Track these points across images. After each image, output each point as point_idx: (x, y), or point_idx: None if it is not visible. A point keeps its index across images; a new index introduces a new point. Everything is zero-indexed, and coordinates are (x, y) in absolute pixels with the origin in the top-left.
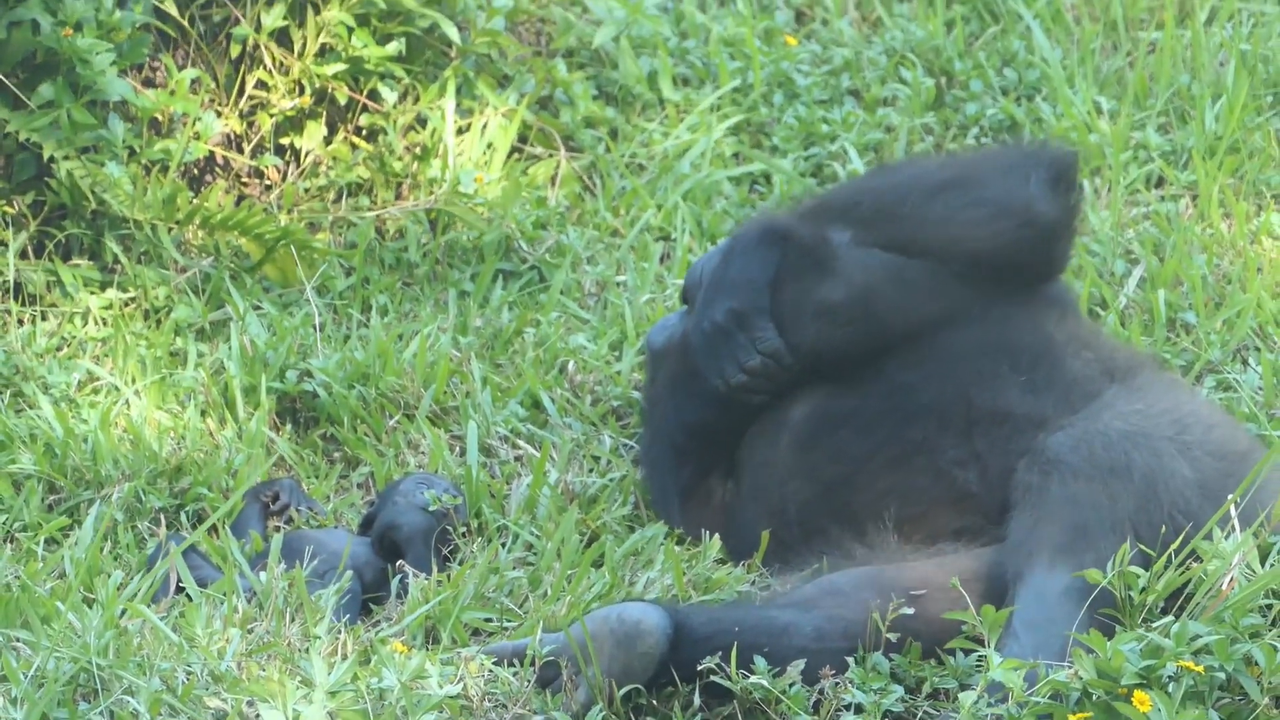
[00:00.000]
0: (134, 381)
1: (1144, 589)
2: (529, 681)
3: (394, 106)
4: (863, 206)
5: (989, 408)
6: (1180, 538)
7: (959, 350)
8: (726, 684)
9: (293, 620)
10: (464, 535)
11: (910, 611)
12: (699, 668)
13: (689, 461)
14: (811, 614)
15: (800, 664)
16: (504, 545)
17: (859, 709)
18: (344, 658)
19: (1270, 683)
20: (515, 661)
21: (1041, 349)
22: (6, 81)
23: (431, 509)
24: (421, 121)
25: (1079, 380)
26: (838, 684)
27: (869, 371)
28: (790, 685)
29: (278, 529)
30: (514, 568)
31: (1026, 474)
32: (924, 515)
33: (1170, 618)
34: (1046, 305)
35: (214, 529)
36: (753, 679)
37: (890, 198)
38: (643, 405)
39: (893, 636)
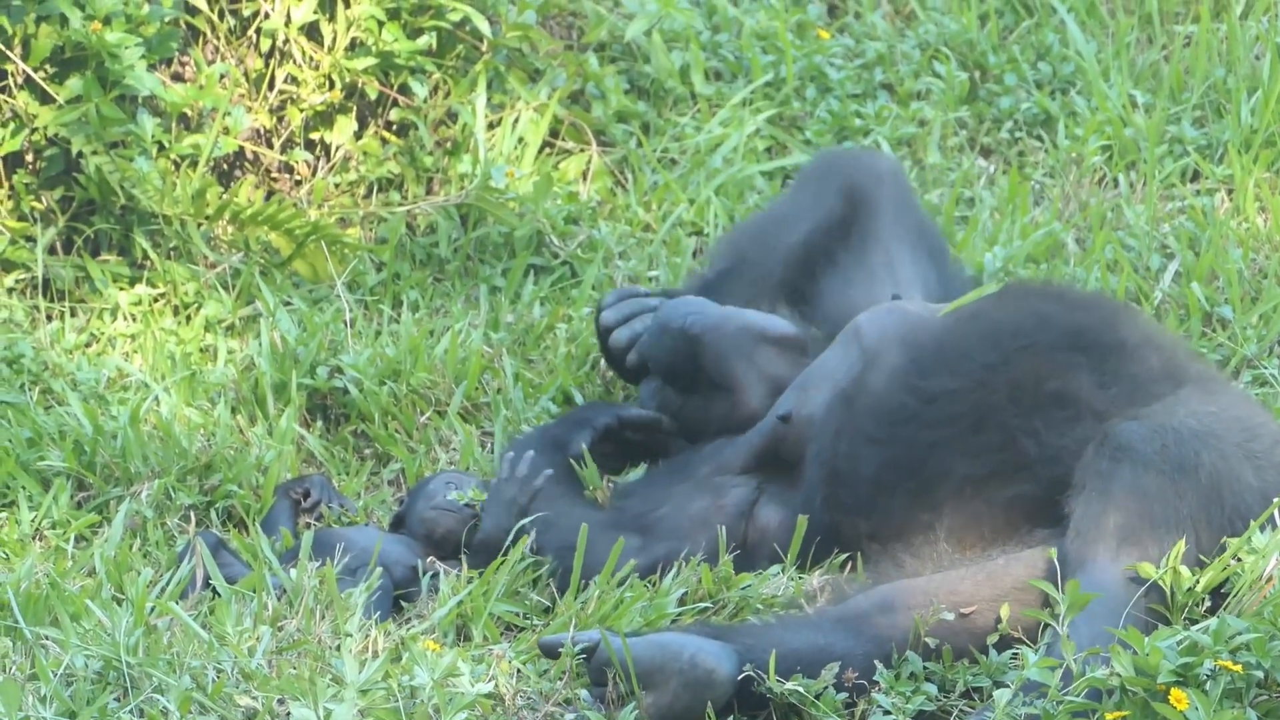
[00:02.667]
0: (163, 378)
1: (1189, 589)
2: (561, 679)
3: (424, 101)
4: None
5: (1056, 391)
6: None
7: (1034, 333)
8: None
9: (323, 618)
10: None
11: (950, 617)
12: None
13: None
14: (862, 639)
15: (834, 667)
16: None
17: (887, 711)
18: (375, 656)
19: None
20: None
21: (1115, 347)
22: (35, 76)
23: (464, 501)
24: (452, 116)
25: (1147, 381)
26: (867, 689)
27: (951, 349)
28: (823, 689)
29: (308, 526)
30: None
31: (1096, 458)
32: (987, 479)
33: (1214, 616)
34: (1127, 310)
35: (244, 525)
36: (789, 685)
37: None
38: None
39: (935, 645)
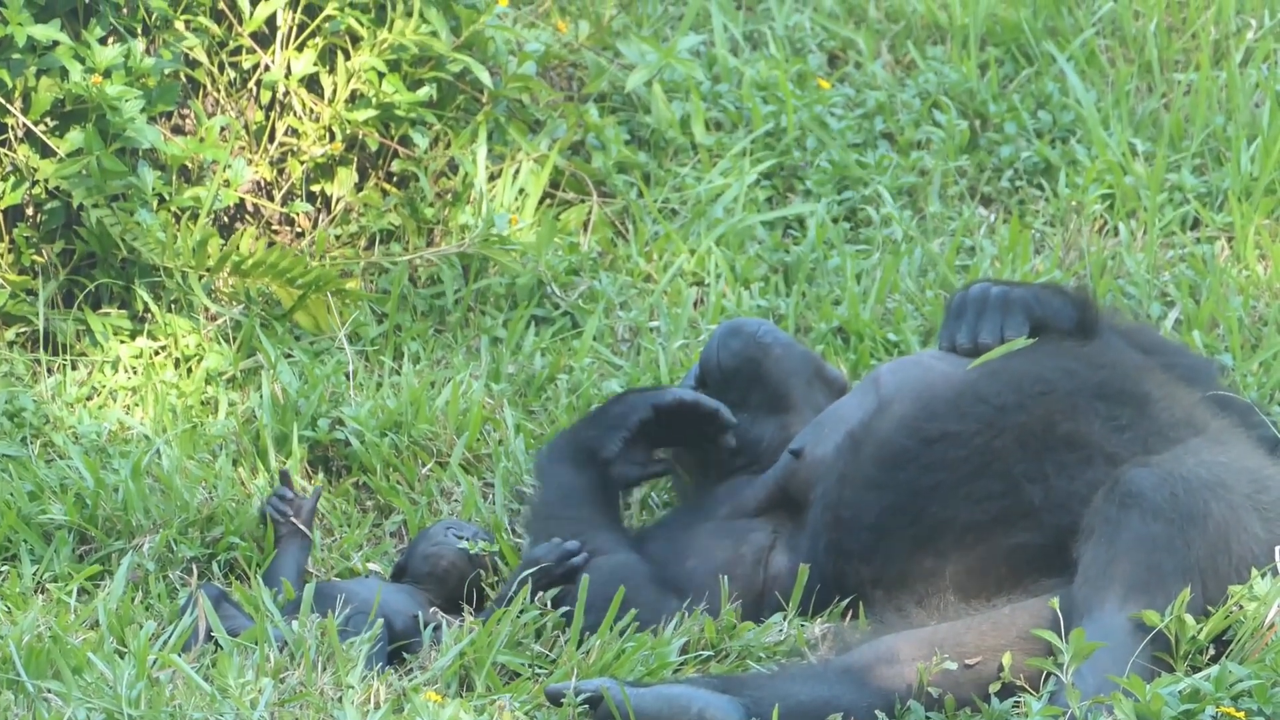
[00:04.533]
0: (165, 431)
1: (1192, 637)
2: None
3: (425, 152)
4: None
5: (1068, 433)
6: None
7: (1057, 382)
8: None
9: (325, 670)
10: (495, 583)
11: (954, 667)
12: None
13: None
14: (867, 690)
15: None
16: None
17: None
18: (377, 707)
19: None
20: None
21: (1133, 394)
22: (35, 129)
23: (472, 552)
24: (453, 167)
25: (1163, 429)
26: None
27: (968, 395)
28: None
29: (310, 575)
30: (545, 614)
31: (1105, 505)
32: (990, 527)
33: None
34: (1146, 358)
35: (246, 578)
36: None
37: None
38: None
39: (938, 694)
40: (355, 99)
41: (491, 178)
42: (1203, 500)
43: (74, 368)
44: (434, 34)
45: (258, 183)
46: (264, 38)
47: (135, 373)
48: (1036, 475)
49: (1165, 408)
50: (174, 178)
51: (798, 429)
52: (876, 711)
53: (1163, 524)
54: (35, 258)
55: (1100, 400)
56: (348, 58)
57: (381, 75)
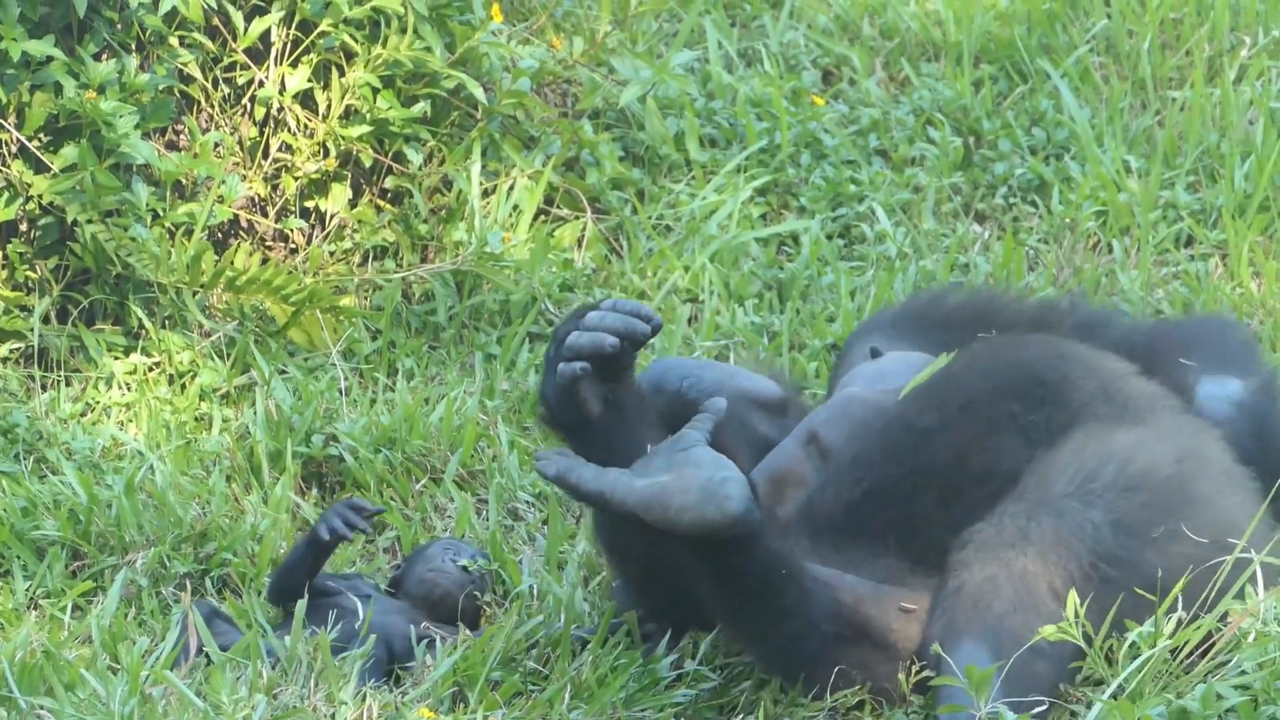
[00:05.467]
0: (158, 447)
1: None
2: None
3: (419, 168)
4: None
5: (980, 469)
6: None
7: (976, 391)
8: None
9: (318, 685)
10: (489, 602)
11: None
12: None
13: None
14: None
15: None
16: (527, 607)
17: None
18: None
19: None
20: None
21: (1050, 381)
22: (29, 145)
23: (471, 570)
24: (447, 183)
25: (1074, 413)
26: None
27: (896, 425)
28: None
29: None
30: (541, 630)
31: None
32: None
33: (1199, 678)
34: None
35: (239, 593)
36: None
37: None
38: None
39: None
40: (349, 115)
41: (485, 194)
42: (1020, 533)
43: (68, 384)
44: (428, 50)
45: (252, 199)
46: (258, 54)
47: (129, 389)
48: (953, 527)
49: (1080, 388)
50: (168, 193)
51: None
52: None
53: (995, 566)
54: (29, 273)
55: (1016, 399)
56: (342, 74)
57: (376, 91)
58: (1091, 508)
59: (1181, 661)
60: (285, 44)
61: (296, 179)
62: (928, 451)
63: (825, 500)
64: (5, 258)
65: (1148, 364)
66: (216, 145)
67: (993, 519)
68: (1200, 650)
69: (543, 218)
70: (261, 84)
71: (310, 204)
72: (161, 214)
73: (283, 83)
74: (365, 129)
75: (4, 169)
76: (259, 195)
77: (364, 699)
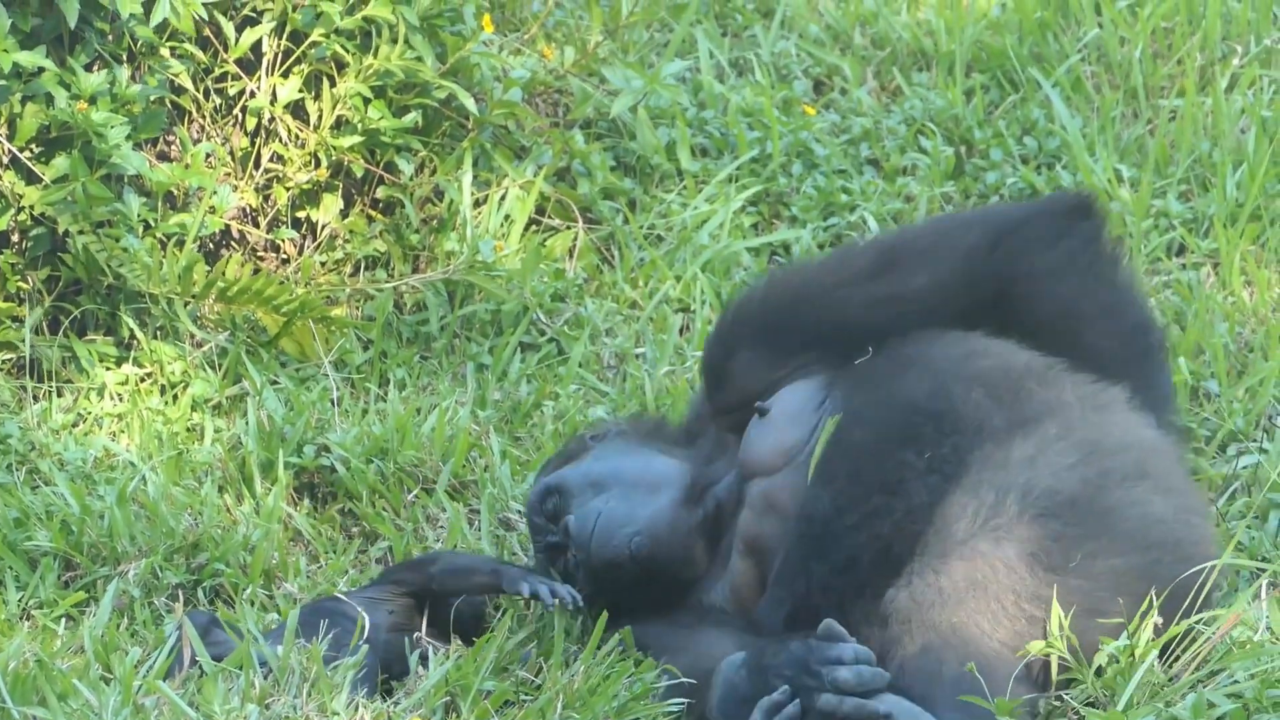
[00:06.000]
0: (150, 457)
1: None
2: None
3: (411, 179)
4: None
5: (897, 557)
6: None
7: (885, 460)
8: None
9: (310, 695)
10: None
11: None
12: None
13: None
14: None
15: None
16: (518, 619)
17: None
18: None
19: None
20: None
21: (959, 419)
22: (21, 155)
23: None
24: (438, 194)
25: (996, 437)
26: None
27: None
28: None
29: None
30: (532, 641)
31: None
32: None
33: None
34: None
35: (232, 604)
36: None
37: None
38: None
39: None
40: (341, 125)
41: (477, 204)
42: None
43: (60, 394)
44: (419, 60)
45: (243, 209)
46: (249, 64)
47: (121, 399)
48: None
49: (969, 405)
50: (159, 204)
51: (710, 580)
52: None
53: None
54: (20, 284)
55: (910, 446)
56: (333, 84)
57: (367, 101)
58: (1001, 545)
59: (1167, 670)
60: (276, 54)
61: (288, 189)
62: (846, 544)
63: (769, 619)
64: None
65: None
66: (208, 156)
67: (902, 581)
68: (1168, 655)
69: (534, 227)
70: (253, 94)
71: (302, 214)
72: (153, 224)
73: (274, 93)
74: (357, 139)
75: None
76: (250, 205)
77: (356, 709)
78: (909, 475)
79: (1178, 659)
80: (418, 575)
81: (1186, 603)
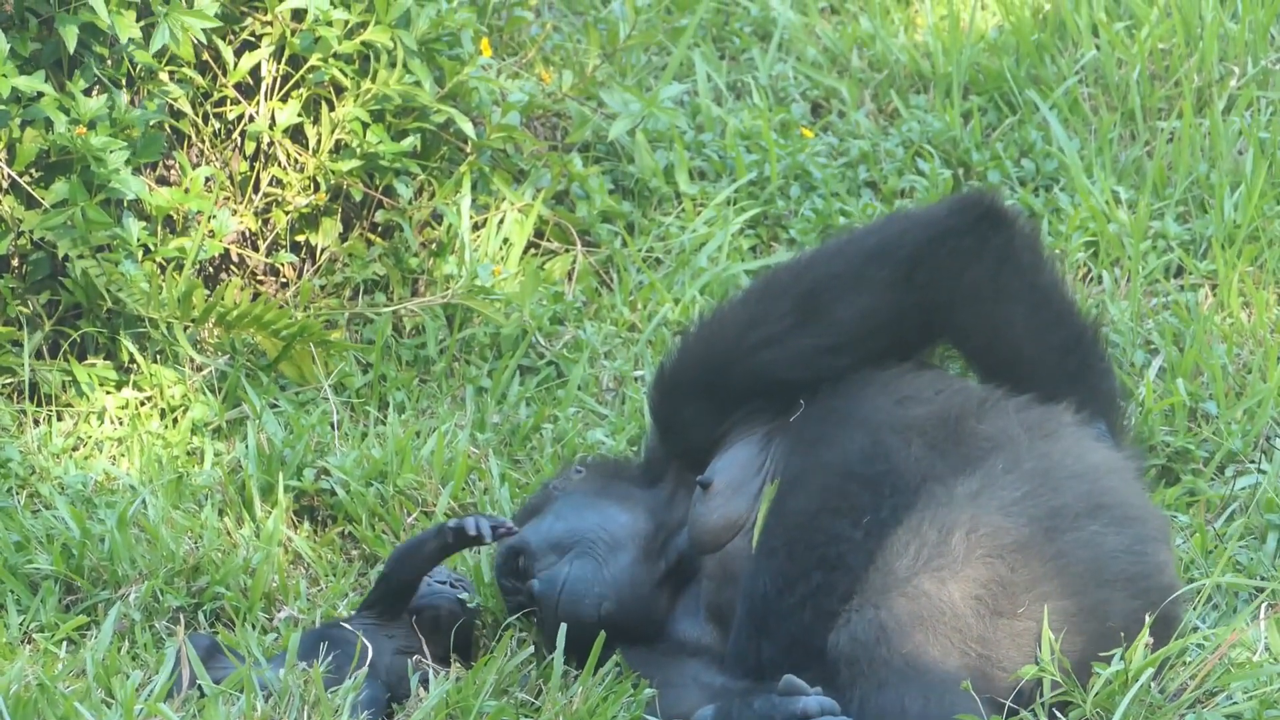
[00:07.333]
0: (151, 481)
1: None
2: None
3: (409, 202)
4: None
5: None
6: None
7: (825, 525)
8: None
9: (310, 719)
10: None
11: None
12: None
13: None
14: None
15: None
16: (516, 641)
17: None
18: None
19: None
20: None
21: (892, 476)
22: (20, 180)
23: (470, 605)
24: (437, 217)
25: (939, 481)
26: None
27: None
28: None
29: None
30: (529, 662)
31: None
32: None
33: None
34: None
35: (233, 626)
36: None
37: None
38: None
39: None
40: (339, 149)
41: (475, 228)
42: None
43: (60, 418)
44: (418, 85)
45: (242, 233)
46: (248, 89)
47: (121, 423)
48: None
49: (907, 462)
50: (159, 228)
51: (677, 626)
52: None
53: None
54: (20, 309)
55: (847, 516)
56: (332, 108)
57: (365, 126)
58: (945, 586)
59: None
60: (275, 79)
61: (287, 213)
62: (791, 624)
63: (732, 679)
64: None
65: None
66: (207, 180)
67: (840, 622)
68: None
69: (533, 251)
70: (252, 119)
71: (301, 238)
72: (152, 249)
73: (273, 117)
74: (355, 163)
75: None
76: (249, 230)
77: None
78: (847, 550)
79: (1149, 690)
80: (380, 588)
81: (1140, 637)
